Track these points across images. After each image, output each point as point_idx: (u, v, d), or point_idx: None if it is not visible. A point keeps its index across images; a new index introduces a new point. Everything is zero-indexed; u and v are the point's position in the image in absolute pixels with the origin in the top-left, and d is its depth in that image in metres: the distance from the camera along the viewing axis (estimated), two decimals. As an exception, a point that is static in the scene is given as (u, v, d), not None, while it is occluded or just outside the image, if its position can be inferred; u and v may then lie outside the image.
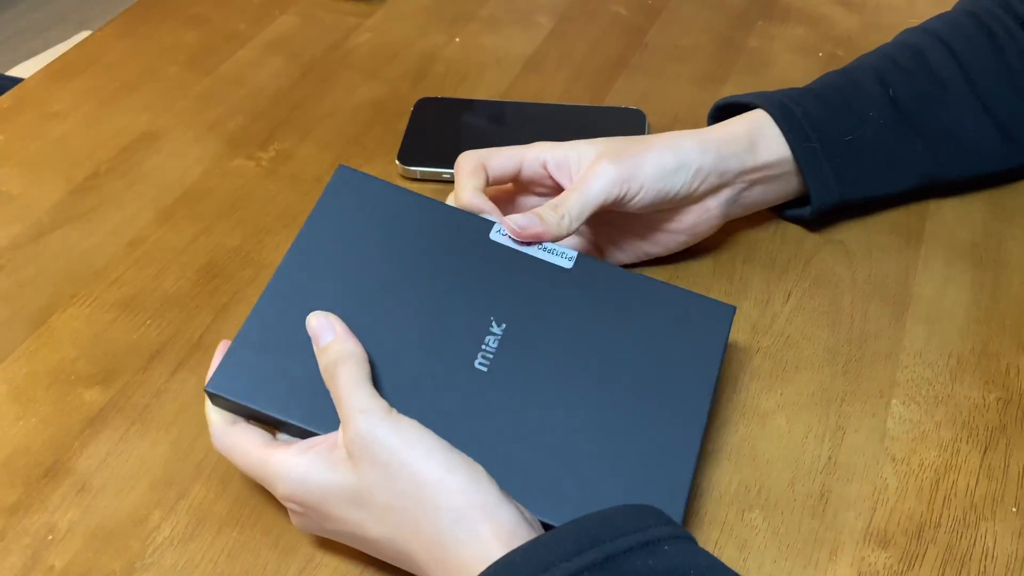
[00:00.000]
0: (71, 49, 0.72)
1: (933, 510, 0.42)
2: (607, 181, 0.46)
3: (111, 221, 0.58)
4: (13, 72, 1.17)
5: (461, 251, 0.44)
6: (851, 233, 0.56)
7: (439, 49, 0.71)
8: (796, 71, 0.69)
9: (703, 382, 0.42)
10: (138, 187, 0.60)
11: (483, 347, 0.41)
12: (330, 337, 0.39)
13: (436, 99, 0.64)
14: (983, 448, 0.45)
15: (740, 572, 0.40)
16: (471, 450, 0.36)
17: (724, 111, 0.55)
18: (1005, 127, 0.54)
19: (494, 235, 0.45)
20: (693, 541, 0.34)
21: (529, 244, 0.45)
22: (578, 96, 0.67)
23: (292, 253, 0.43)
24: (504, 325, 0.42)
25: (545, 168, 0.49)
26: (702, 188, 0.49)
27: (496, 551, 0.33)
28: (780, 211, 0.56)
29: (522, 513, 0.35)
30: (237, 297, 0.53)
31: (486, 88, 0.67)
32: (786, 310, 0.51)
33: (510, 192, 0.52)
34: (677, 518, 0.38)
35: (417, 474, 0.35)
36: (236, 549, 0.41)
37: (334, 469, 0.37)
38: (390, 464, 0.35)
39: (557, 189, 0.49)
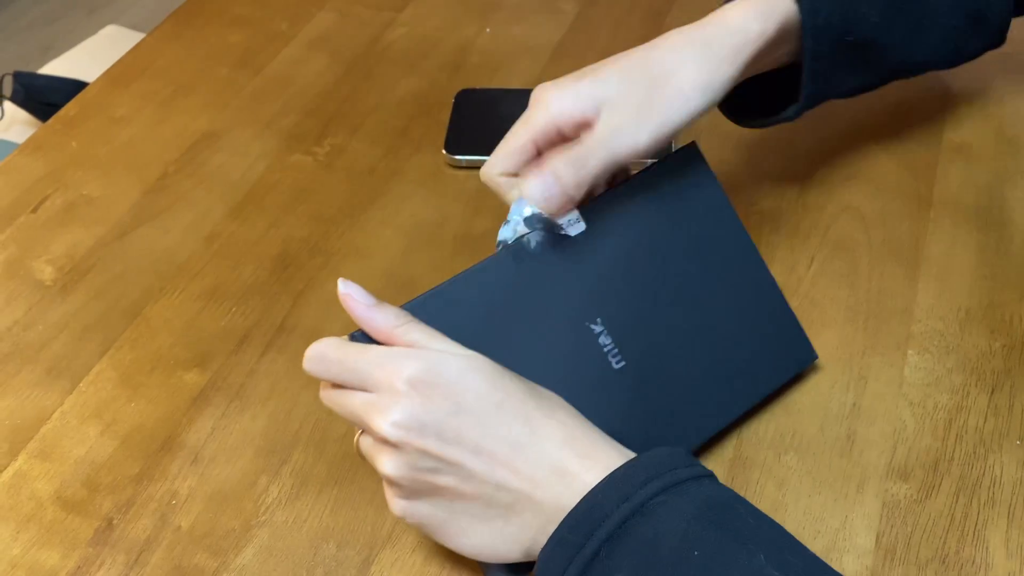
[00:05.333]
0: (126, 55, 0.77)
1: (947, 446, 0.48)
2: (638, 152, 0.45)
3: (186, 218, 0.63)
4: (45, 70, 1.22)
5: (515, 299, 0.43)
6: (866, 200, 0.61)
7: (472, 40, 0.76)
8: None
9: (743, 246, 0.48)
10: (206, 185, 0.65)
11: (605, 349, 0.43)
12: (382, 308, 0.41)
13: (475, 90, 0.69)
14: (990, 390, 0.50)
15: (779, 506, 0.46)
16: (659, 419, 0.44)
17: None
18: (973, 13, 0.54)
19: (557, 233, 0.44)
20: (716, 479, 0.40)
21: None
22: (605, 80, 0.72)
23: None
24: (599, 318, 0.43)
25: (560, 132, 0.46)
26: None
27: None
28: (744, 119, 0.56)
29: None
30: (311, 284, 0.58)
31: (519, 76, 0.72)
32: (810, 274, 0.57)
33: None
34: (809, 355, 0.50)
35: (542, 390, 0.41)
36: (337, 505, 0.47)
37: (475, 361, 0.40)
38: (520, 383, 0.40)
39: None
